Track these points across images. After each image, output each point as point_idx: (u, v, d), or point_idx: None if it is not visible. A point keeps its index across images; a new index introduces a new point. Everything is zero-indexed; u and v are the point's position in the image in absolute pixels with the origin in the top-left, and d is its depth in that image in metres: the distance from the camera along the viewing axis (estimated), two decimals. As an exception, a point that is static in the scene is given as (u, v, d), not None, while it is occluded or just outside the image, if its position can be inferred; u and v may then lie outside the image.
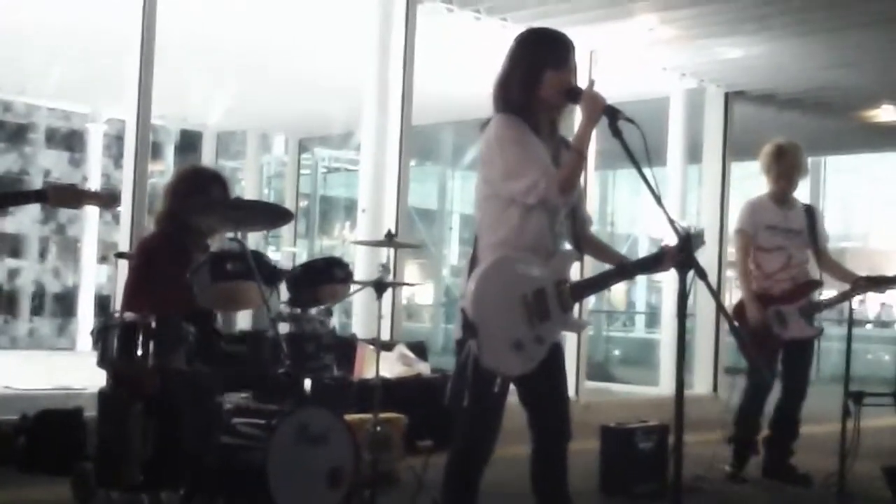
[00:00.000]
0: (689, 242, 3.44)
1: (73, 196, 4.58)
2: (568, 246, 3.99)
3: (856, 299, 6.53)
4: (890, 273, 6.50)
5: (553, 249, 3.89)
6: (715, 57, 11.12)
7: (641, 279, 25.59)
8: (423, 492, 4.76)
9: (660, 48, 10.83)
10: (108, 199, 4.74)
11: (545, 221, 3.84)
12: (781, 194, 6.76)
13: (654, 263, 3.96)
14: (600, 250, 4.17)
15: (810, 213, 6.83)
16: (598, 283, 4.18)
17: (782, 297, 6.59)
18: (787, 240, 6.68)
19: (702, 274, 3.43)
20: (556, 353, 3.89)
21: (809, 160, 21.33)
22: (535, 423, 3.95)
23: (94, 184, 14.91)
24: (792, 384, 6.73)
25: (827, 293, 6.82)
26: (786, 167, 6.75)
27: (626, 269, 4.12)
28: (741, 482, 6.68)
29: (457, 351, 3.86)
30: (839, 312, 7.48)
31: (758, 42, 10.56)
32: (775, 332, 6.52)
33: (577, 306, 4.01)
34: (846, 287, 6.50)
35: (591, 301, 11.75)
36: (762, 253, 6.66)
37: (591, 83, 3.81)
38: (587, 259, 4.24)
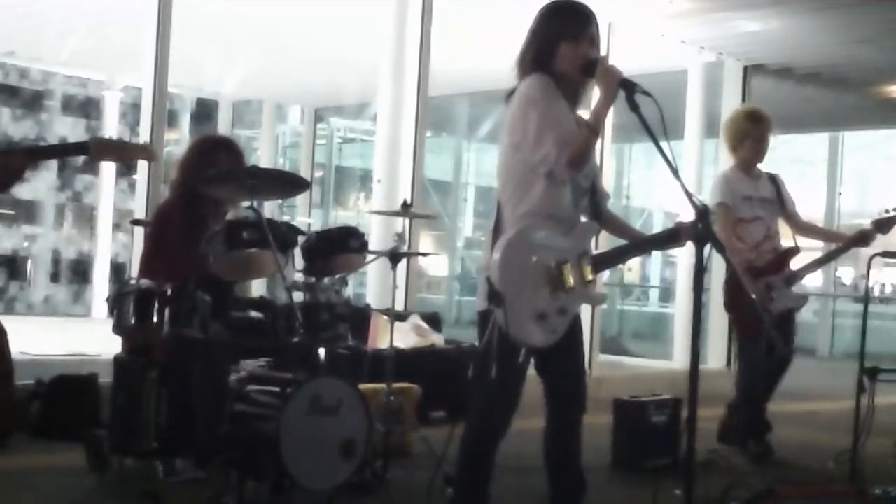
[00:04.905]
0: (706, 216, 3.43)
1: (115, 149, 4.44)
2: (586, 219, 3.99)
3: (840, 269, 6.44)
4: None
5: (576, 221, 3.88)
6: (734, 30, 11.06)
7: (656, 253, 25.56)
8: (437, 465, 4.76)
9: (678, 21, 10.76)
10: (151, 151, 4.63)
11: (569, 194, 3.85)
12: (750, 164, 6.66)
13: (669, 239, 3.97)
14: (616, 225, 4.18)
15: (774, 180, 6.73)
16: (616, 257, 4.20)
17: (768, 268, 6.49)
18: (763, 209, 6.59)
19: (720, 247, 3.42)
20: (575, 325, 3.89)
21: (827, 135, 21.15)
22: (551, 394, 3.96)
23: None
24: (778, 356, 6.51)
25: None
26: (762, 132, 6.64)
27: (642, 244, 4.15)
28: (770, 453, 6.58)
29: (479, 322, 3.86)
30: (854, 289, 7.40)
31: (777, 16, 10.49)
32: (766, 305, 6.38)
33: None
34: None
35: (605, 275, 11.74)
36: (744, 224, 6.54)
37: (604, 58, 3.80)
38: (601, 234, 4.24)
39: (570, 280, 3.76)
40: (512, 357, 3.75)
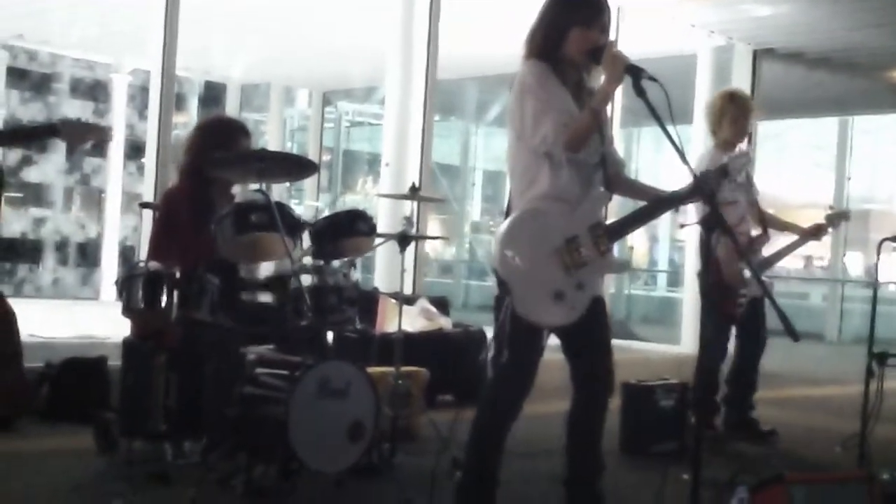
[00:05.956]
0: (714, 198, 3.43)
1: (82, 130, 4.61)
2: (599, 188, 3.96)
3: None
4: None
5: (583, 195, 3.86)
6: (744, 14, 11.01)
7: (664, 237, 25.55)
8: (445, 449, 4.76)
9: (688, 5, 10.73)
10: (107, 132, 4.81)
11: (574, 171, 3.84)
12: (730, 145, 6.57)
13: (691, 193, 3.89)
14: (636, 190, 4.14)
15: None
16: (636, 220, 4.06)
17: (745, 252, 6.42)
18: (740, 193, 6.51)
19: (727, 230, 3.42)
20: (599, 305, 3.90)
21: (837, 120, 21.04)
22: (575, 374, 3.96)
23: (118, 134, 14.98)
24: (753, 341, 6.64)
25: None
26: (740, 111, 6.57)
27: (663, 201, 4.04)
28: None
29: (495, 307, 3.86)
30: (868, 274, 7.48)
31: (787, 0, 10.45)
32: (742, 290, 6.37)
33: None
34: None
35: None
36: (722, 206, 6.49)
37: (612, 43, 3.80)
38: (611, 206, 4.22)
39: (586, 254, 3.76)
40: (526, 340, 3.76)
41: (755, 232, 6.61)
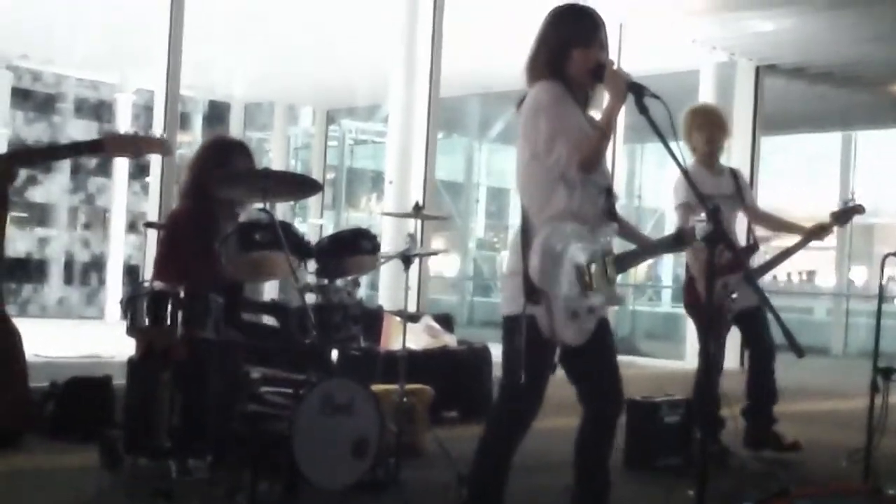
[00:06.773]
0: (717, 216, 3.43)
1: (131, 144, 4.51)
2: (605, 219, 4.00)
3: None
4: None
5: (598, 222, 3.89)
6: (746, 30, 11.05)
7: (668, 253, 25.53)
8: (449, 465, 4.76)
9: (690, 21, 10.76)
10: (166, 145, 4.71)
11: (587, 195, 3.86)
12: (709, 157, 6.50)
13: (674, 243, 4.00)
14: (625, 228, 4.17)
15: (735, 175, 6.62)
16: (630, 260, 4.17)
17: (727, 267, 6.20)
18: (723, 208, 6.47)
19: (731, 247, 3.42)
20: (603, 326, 3.91)
21: (840, 135, 21.05)
22: (584, 394, 3.97)
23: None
24: (759, 349, 6.58)
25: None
26: (707, 121, 6.48)
27: (651, 248, 4.17)
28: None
29: (505, 326, 3.87)
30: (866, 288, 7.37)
31: (789, 15, 10.48)
32: (726, 305, 6.25)
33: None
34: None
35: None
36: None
37: (611, 62, 3.82)
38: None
39: (598, 279, 3.78)
40: (541, 359, 3.77)
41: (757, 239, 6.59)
